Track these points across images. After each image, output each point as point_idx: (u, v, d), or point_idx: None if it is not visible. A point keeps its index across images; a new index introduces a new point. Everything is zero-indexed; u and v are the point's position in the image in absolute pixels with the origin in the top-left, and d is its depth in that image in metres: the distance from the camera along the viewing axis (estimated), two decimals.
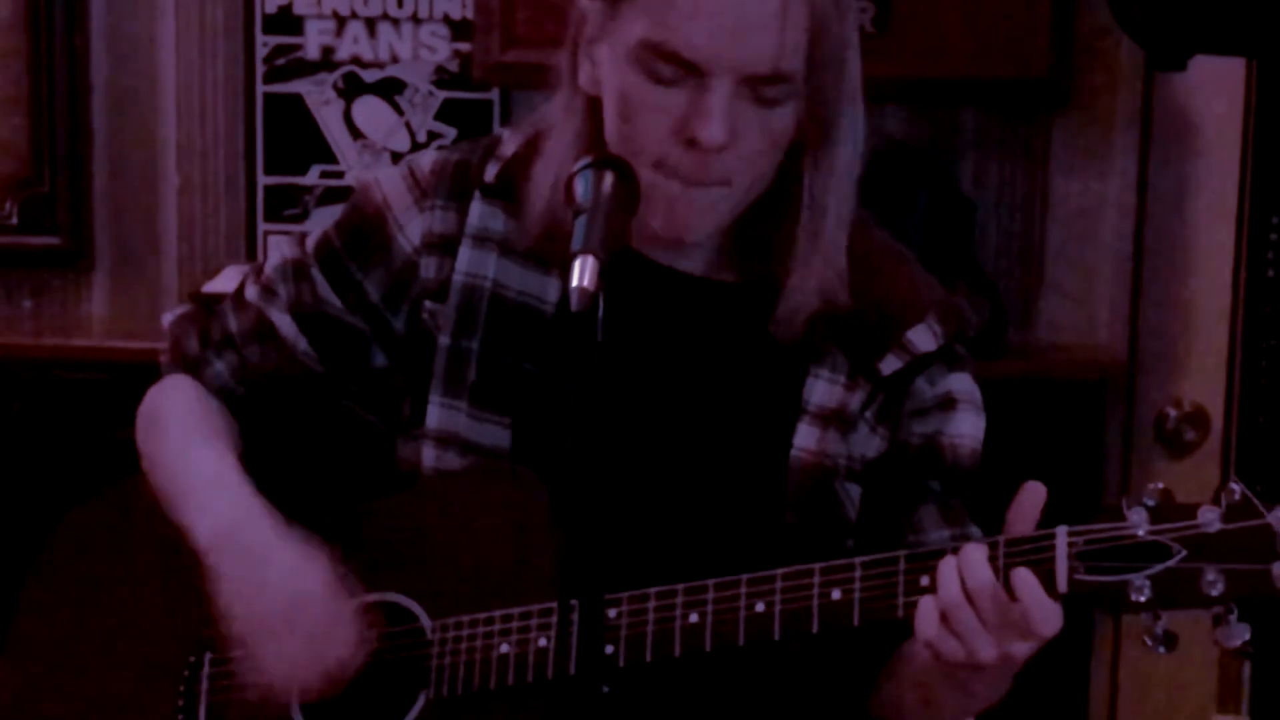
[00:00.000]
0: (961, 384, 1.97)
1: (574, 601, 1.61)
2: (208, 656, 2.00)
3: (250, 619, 1.88)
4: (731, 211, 1.89)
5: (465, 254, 1.98)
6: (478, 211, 1.99)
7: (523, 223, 1.96)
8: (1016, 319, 3.43)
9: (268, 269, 2.08)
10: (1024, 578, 1.69)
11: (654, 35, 1.81)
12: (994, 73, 3.39)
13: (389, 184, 2.03)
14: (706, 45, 1.79)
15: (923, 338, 1.94)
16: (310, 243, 2.07)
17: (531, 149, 1.97)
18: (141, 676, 2.03)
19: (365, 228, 2.03)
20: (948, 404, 1.96)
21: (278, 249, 2.11)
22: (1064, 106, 3.43)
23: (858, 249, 1.94)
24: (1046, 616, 1.69)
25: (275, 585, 1.88)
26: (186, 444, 2.03)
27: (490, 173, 1.99)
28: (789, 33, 1.81)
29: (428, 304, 1.99)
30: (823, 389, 1.94)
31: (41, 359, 3.31)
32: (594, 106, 1.90)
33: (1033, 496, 1.76)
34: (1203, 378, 3.43)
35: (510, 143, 2.01)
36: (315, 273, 2.04)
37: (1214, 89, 3.34)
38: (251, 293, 2.08)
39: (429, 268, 1.99)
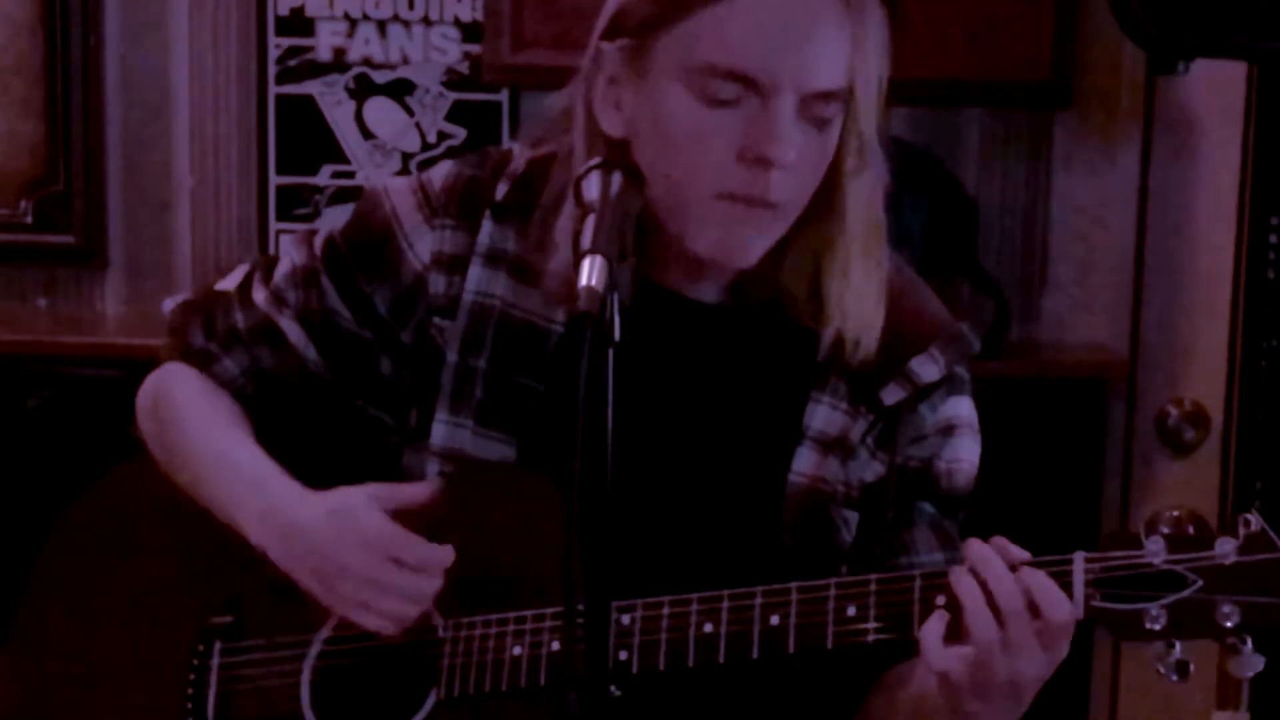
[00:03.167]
0: (961, 409, 1.96)
1: (580, 607, 1.60)
2: (217, 646, 2.00)
3: (344, 596, 1.87)
4: (780, 234, 1.86)
5: (475, 273, 1.97)
6: (488, 231, 1.97)
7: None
8: (1019, 318, 3.45)
9: (277, 276, 2.06)
10: (1034, 576, 1.70)
11: (713, 56, 1.78)
12: (997, 74, 3.41)
13: (399, 198, 2.00)
14: (770, 59, 1.78)
15: (926, 368, 1.93)
16: (318, 246, 2.05)
17: (541, 166, 1.95)
18: (148, 668, 2.03)
19: (374, 241, 2.01)
20: (947, 430, 1.95)
21: (285, 252, 2.09)
22: (1066, 107, 3.45)
23: None
24: (1060, 610, 1.70)
25: (341, 554, 1.86)
26: (208, 439, 2.02)
27: (501, 191, 1.97)
28: (843, 47, 1.80)
29: (436, 320, 1.98)
30: (824, 414, 1.93)
31: (56, 356, 3.32)
32: (616, 152, 1.85)
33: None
34: (1203, 377, 3.44)
35: (521, 158, 1.99)
36: (324, 281, 2.03)
37: (1214, 91, 3.36)
38: (260, 296, 2.06)
39: (438, 284, 1.98)
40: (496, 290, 1.97)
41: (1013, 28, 3.41)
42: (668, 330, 1.90)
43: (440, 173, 2.01)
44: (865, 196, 1.88)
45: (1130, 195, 3.46)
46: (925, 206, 3.33)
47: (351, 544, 1.86)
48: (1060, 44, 3.41)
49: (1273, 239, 3.29)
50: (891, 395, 1.93)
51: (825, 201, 1.87)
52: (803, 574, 1.82)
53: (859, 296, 1.90)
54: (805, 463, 1.93)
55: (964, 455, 1.97)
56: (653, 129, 1.83)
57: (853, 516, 1.94)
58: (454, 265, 1.98)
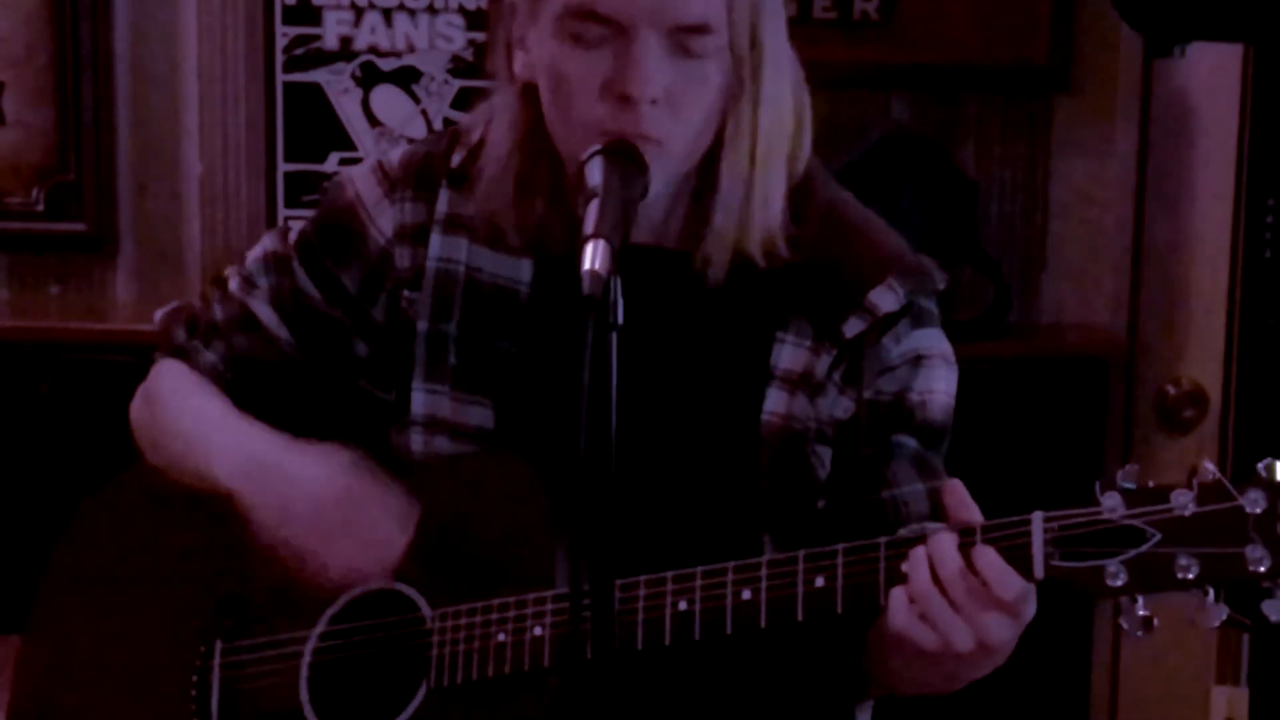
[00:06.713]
0: (929, 340, 1.97)
1: (585, 588, 1.63)
2: (219, 646, 2.03)
3: (295, 534, 1.92)
4: (670, 175, 1.88)
5: (436, 240, 2.01)
6: (446, 198, 2.01)
7: (470, 208, 1.99)
8: (1019, 300, 3.46)
9: (249, 261, 2.12)
10: (985, 555, 1.69)
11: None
12: (996, 59, 3.43)
13: (360, 180, 2.06)
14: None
15: (884, 298, 1.93)
16: (292, 237, 2.11)
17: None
18: (155, 666, 2.05)
19: (339, 223, 2.06)
20: (916, 361, 1.96)
21: (260, 242, 2.15)
22: (1065, 91, 3.46)
23: (815, 209, 1.95)
24: (1012, 589, 1.69)
25: (309, 492, 1.92)
26: (182, 402, 2.07)
27: (456, 159, 2.02)
28: None
29: (405, 293, 2.02)
30: (789, 354, 1.94)
31: (68, 342, 3.36)
32: (529, 94, 1.92)
33: (955, 494, 1.77)
34: (1201, 357, 3.45)
35: (475, 130, 2.03)
36: (295, 265, 2.08)
37: (1212, 74, 3.37)
38: (234, 284, 2.12)
39: (403, 257, 2.02)
40: (459, 255, 2.01)
41: (1011, 13, 3.43)
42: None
43: (398, 152, 2.07)
44: (751, 128, 1.89)
45: (1128, 178, 3.47)
46: (925, 191, 3.35)
47: (325, 485, 1.91)
48: (1058, 29, 3.42)
49: (1269, 220, 3.31)
50: (852, 328, 1.94)
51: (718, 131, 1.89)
52: (781, 514, 1.84)
53: (752, 211, 1.92)
54: (775, 403, 1.94)
55: (936, 386, 1.97)
56: (543, 74, 1.88)
57: (827, 453, 1.95)
58: (416, 236, 2.02)
